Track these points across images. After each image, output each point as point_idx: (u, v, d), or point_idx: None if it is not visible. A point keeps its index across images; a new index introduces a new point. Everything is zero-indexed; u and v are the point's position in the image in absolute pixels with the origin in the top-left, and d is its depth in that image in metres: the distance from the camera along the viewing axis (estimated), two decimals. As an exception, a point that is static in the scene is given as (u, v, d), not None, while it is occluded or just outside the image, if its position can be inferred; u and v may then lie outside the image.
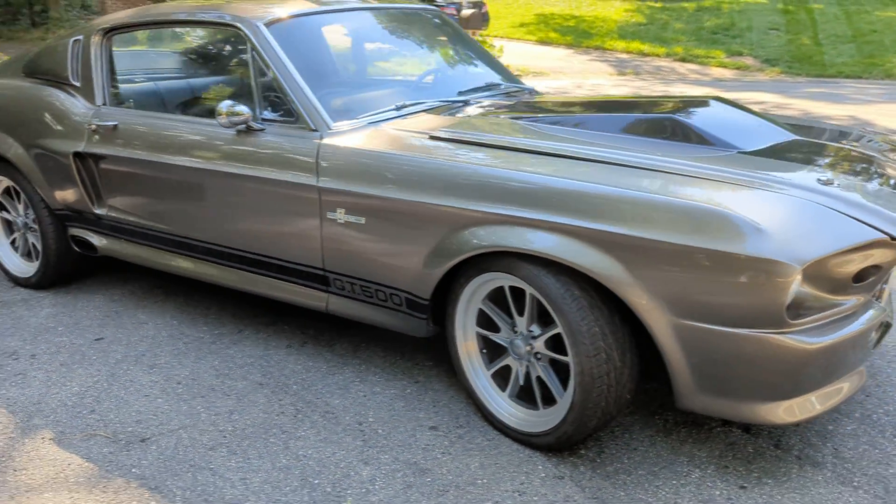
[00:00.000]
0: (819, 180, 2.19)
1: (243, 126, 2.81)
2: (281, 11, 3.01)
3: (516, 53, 17.57)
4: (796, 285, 1.94)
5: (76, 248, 3.63)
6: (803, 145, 2.63)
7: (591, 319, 2.16)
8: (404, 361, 3.02)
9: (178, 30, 3.30)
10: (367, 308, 2.73)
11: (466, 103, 3.10)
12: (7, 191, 3.85)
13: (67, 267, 3.74)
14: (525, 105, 3.11)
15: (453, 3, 18.29)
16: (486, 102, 3.13)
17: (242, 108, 2.76)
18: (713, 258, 1.96)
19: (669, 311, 2.06)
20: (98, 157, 3.29)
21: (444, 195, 2.38)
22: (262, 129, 2.81)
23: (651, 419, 2.58)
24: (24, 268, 3.85)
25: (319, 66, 3.00)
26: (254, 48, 2.86)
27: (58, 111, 3.42)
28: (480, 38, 15.46)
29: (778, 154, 2.46)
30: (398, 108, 2.89)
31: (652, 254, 2.04)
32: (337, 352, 3.11)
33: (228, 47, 3.42)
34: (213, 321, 3.42)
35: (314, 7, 3.14)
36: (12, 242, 3.94)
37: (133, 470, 2.37)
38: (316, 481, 2.29)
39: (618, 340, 2.19)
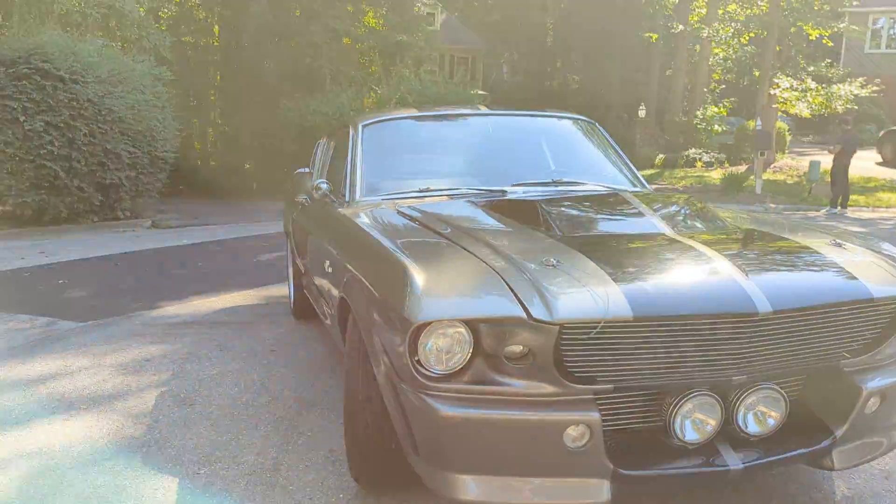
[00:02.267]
0: (543, 261, 2.09)
1: (328, 199, 3.72)
2: (383, 116, 3.86)
3: None
4: (425, 342, 1.98)
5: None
6: (634, 238, 2.47)
7: (360, 359, 2.44)
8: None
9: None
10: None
11: (503, 193, 3.42)
12: (297, 246, 5.44)
13: (302, 303, 5.08)
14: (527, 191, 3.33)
15: None
16: (519, 192, 3.38)
17: (322, 185, 3.68)
18: (389, 308, 2.14)
19: (385, 362, 2.24)
20: (301, 223, 4.57)
21: (343, 251, 2.93)
22: (335, 201, 3.68)
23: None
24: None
25: (390, 158, 3.73)
26: (348, 142, 3.77)
27: (298, 190, 4.83)
28: None
29: (579, 241, 2.35)
30: (421, 191, 3.43)
31: (370, 298, 2.30)
32: (374, 392, 3.67)
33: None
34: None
35: (413, 113, 3.92)
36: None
37: (161, 417, 3.43)
38: (217, 453, 3.01)
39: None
